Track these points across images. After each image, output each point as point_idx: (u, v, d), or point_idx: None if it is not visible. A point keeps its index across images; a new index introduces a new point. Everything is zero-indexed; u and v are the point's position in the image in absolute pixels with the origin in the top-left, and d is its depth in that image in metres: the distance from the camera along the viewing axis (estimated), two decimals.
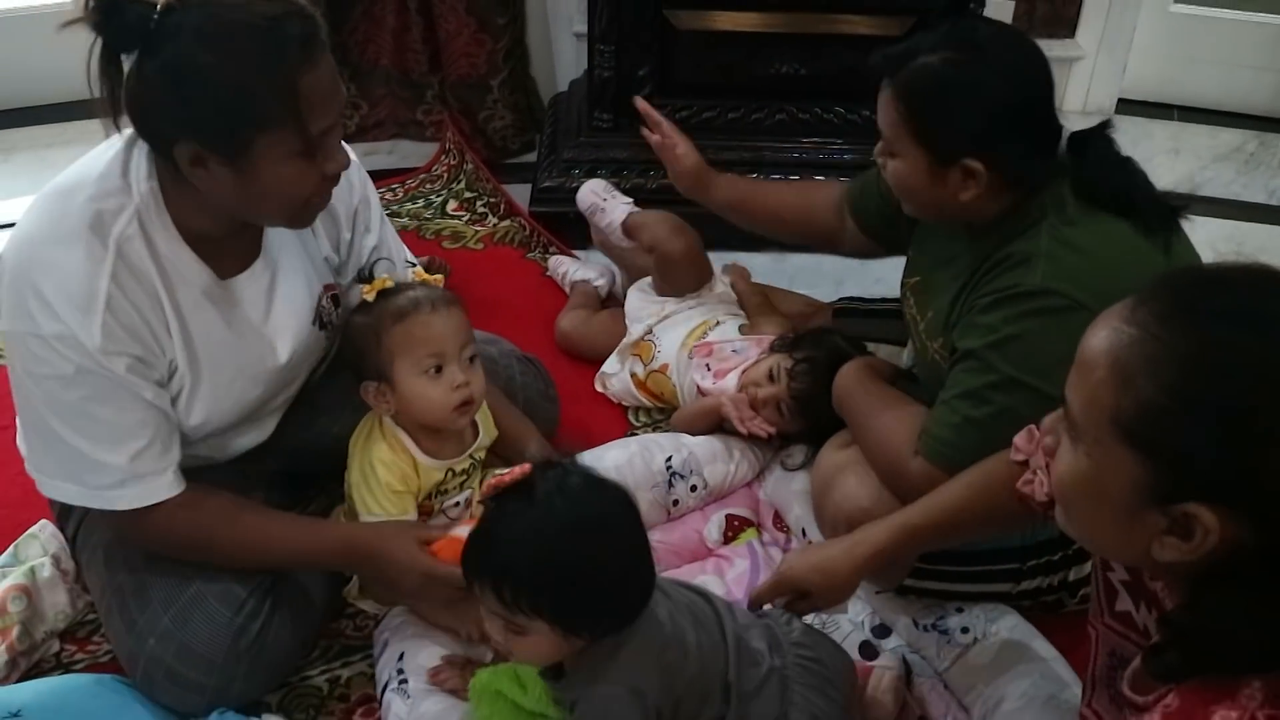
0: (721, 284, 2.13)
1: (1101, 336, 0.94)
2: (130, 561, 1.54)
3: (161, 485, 1.46)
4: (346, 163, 1.39)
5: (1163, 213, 1.47)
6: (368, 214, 1.64)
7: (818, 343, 1.87)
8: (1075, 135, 1.51)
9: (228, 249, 1.46)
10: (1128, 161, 1.50)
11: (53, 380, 1.38)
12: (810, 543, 1.77)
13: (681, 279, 2.08)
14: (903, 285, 1.76)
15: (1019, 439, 1.32)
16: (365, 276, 1.59)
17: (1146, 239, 1.45)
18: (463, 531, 1.48)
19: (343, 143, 1.57)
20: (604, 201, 2.12)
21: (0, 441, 1.99)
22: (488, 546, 1.26)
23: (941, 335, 1.57)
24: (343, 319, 1.63)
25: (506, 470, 1.26)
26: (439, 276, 1.61)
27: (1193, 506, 0.88)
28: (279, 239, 1.52)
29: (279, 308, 1.54)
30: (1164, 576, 1.03)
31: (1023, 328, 1.42)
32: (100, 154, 1.42)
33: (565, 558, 1.22)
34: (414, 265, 1.65)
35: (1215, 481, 0.87)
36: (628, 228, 2.12)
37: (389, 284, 1.56)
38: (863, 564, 1.41)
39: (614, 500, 1.29)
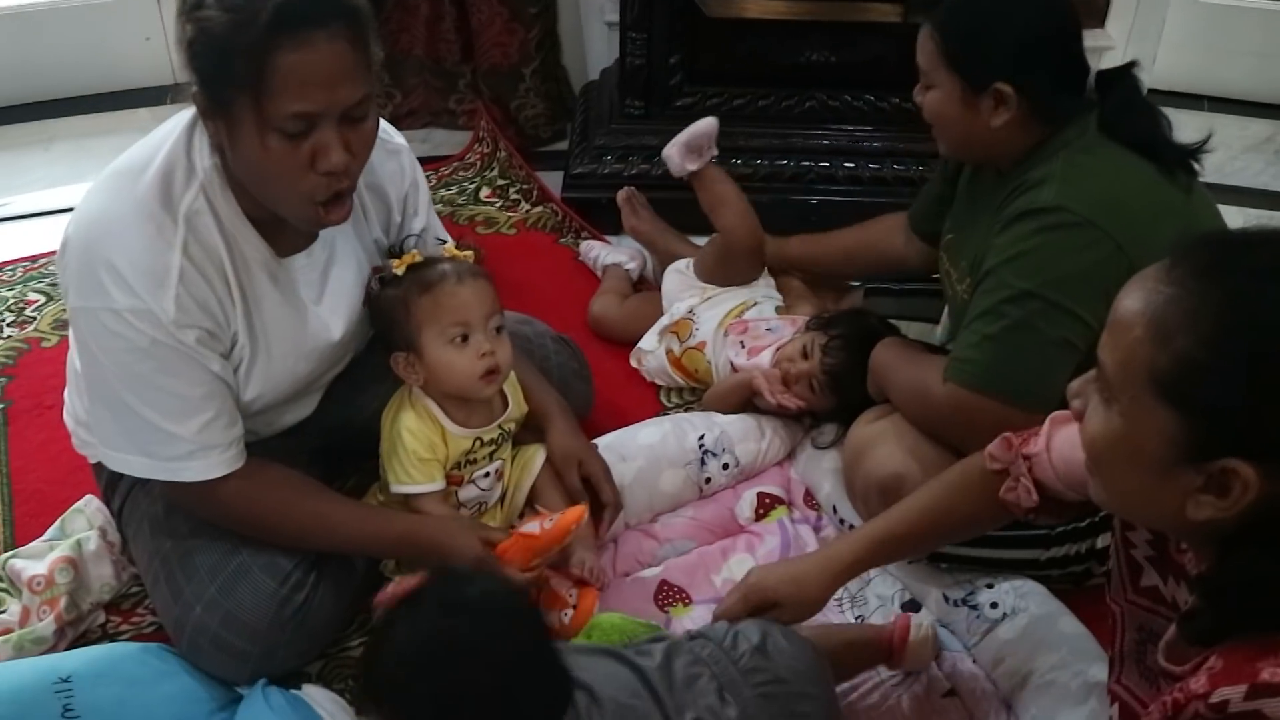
0: (765, 279, 2.15)
1: (1137, 296, 0.95)
2: (176, 532, 1.58)
3: (227, 458, 1.50)
4: (339, 161, 1.34)
5: (1181, 156, 1.54)
6: (416, 198, 1.66)
7: (851, 321, 1.90)
8: (1102, 74, 1.59)
9: (285, 229, 1.49)
10: (1152, 106, 1.57)
11: (126, 353, 1.41)
12: (841, 520, 1.79)
13: (735, 275, 2.11)
14: (939, 250, 1.81)
15: (995, 448, 1.32)
16: (395, 251, 1.62)
17: (1166, 178, 1.53)
18: (531, 528, 1.52)
19: (388, 131, 1.61)
20: (705, 151, 2.07)
21: (45, 420, 2.05)
22: (369, 665, 1.22)
23: (970, 275, 1.62)
24: None
25: (402, 580, 1.25)
26: (468, 253, 1.63)
27: (1231, 462, 0.89)
28: (337, 227, 1.53)
29: (332, 288, 1.57)
30: (1191, 539, 1.04)
31: (1034, 243, 1.49)
32: (164, 135, 1.45)
33: (447, 674, 1.12)
34: (443, 242, 1.68)
35: (1252, 436, 0.88)
36: (703, 177, 2.08)
37: (418, 258, 1.59)
38: (836, 578, 1.41)
39: (509, 614, 1.18)
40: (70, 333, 1.60)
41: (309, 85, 1.28)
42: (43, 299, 2.36)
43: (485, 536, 1.54)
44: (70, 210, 2.50)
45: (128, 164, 1.45)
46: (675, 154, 2.07)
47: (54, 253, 2.37)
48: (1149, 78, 2.93)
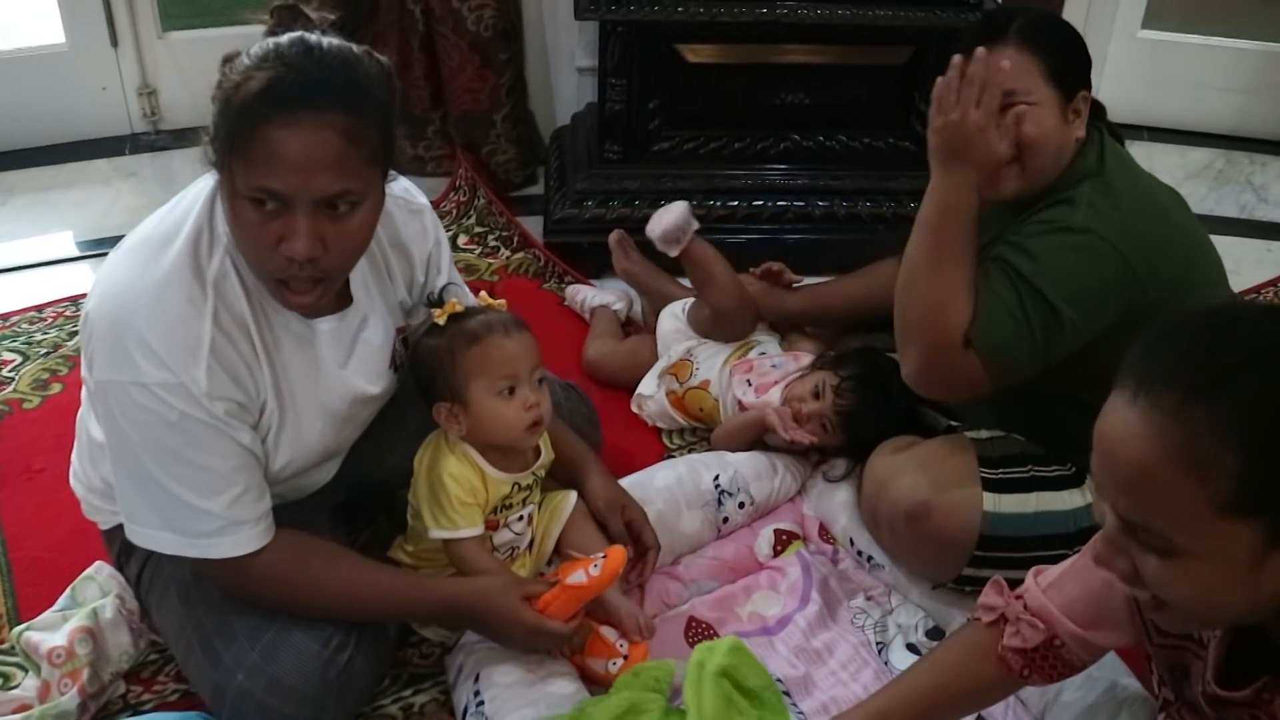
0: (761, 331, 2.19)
1: (1140, 448, 0.94)
2: (208, 598, 1.55)
3: (257, 533, 1.48)
4: (300, 251, 1.31)
5: None
6: (439, 256, 1.67)
7: (862, 361, 1.94)
8: None
9: None
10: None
11: (155, 427, 1.39)
12: (860, 552, 1.84)
13: (729, 336, 2.14)
14: None
15: (987, 597, 1.35)
16: (435, 301, 1.63)
17: (1168, 197, 1.67)
18: (577, 578, 1.53)
19: (410, 190, 1.62)
20: (684, 235, 2.09)
21: (36, 485, 2.00)
22: None
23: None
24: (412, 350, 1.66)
25: None
26: (502, 301, 1.65)
27: None
28: (363, 285, 1.55)
29: (360, 351, 1.56)
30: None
31: (1067, 259, 1.56)
32: (189, 203, 1.45)
33: None
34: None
35: None
36: (687, 257, 2.11)
37: (459, 308, 1.60)
38: None
39: None
40: (90, 403, 1.58)
41: (281, 164, 1.27)
42: (18, 358, 2.30)
43: (524, 592, 1.54)
44: (35, 266, 2.57)
45: (153, 233, 1.44)
46: (656, 241, 2.10)
47: (24, 310, 2.41)
48: None
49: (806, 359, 2.03)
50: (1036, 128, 1.59)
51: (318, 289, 1.40)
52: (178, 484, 1.43)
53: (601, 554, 1.57)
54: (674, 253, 2.10)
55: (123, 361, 1.38)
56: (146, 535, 1.49)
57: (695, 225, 2.11)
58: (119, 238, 1.53)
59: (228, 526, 1.46)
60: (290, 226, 1.31)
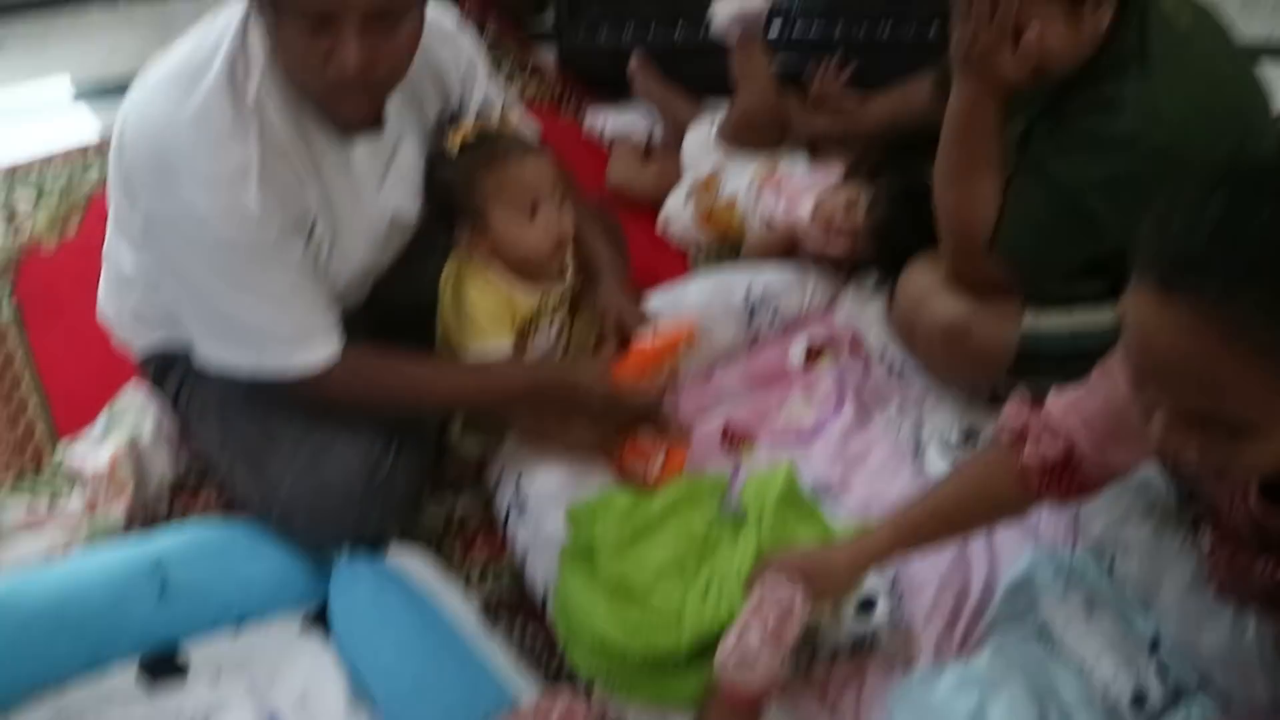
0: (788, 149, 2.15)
1: (1195, 347, 0.89)
2: (250, 411, 1.56)
3: (330, 342, 1.49)
4: (350, 66, 1.30)
5: None
6: (474, 73, 1.64)
7: (896, 172, 1.90)
8: None
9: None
10: None
11: (214, 252, 1.39)
12: (890, 367, 1.84)
13: (755, 143, 2.11)
14: None
15: (1008, 413, 1.34)
16: (452, 119, 1.60)
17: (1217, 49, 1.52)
18: (643, 343, 1.57)
19: (440, 16, 1.58)
20: (751, 28, 2.07)
21: (63, 322, 2.00)
22: None
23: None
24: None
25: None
26: (530, 121, 1.62)
27: None
28: (396, 110, 1.52)
29: (394, 174, 1.55)
30: None
31: (1112, 170, 1.48)
32: (219, 33, 1.40)
33: None
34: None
35: None
36: (745, 49, 2.09)
37: (471, 134, 1.58)
38: (864, 566, 1.38)
39: None
40: (123, 235, 1.55)
41: None
42: (32, 204, 2.27)
43: (603, 359, 1.61)
44: (35, 113, 2.52)
45: (183, 66, 1.40)
46: (723, 20, 2.06)
47: (33, 160, 2.36)
48: None
49: (836, 172, 2.00)
50: (1045, 46, 1.47)
51: (367, 95, 1.40)
52: (242, 305, 1.43)
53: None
54: (733, 37, 2.07)
55: (172, 193, 1.37)
56: (221, 359, 1.49)
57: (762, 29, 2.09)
58: (120, 85, 1.50)
59: (300, 338, 1.47)
60: (339, 42, 1.29)
